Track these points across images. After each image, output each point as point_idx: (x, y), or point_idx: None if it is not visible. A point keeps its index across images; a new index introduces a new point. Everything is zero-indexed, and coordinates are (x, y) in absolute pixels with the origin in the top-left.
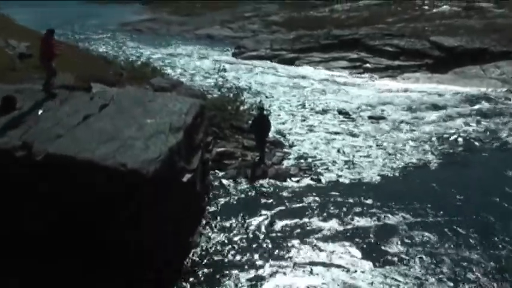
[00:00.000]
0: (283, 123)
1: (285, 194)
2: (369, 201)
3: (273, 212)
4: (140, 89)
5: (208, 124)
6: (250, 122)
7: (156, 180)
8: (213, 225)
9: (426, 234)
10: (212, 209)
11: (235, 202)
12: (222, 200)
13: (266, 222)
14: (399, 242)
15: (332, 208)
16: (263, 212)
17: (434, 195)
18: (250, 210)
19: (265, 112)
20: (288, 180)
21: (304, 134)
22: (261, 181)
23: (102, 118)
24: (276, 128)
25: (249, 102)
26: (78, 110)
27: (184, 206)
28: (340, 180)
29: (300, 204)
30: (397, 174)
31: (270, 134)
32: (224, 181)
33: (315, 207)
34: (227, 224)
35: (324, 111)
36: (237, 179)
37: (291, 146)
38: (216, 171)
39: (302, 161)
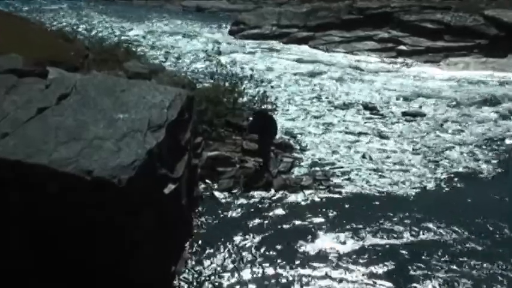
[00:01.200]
0: (293, 121)
1: (294, 211)
2: (402, 222)
3: (278, 234)
4: (110, 76)
5: (197, 121)
6: (250, 119)
7: (131, 192)
8: (202, 250)
9: (474, 269)
10: (201, 230)
11: (230, 221)
12: (213, 218)
13: (269, 248)
14: (441, 281)
15: (354, 229)
16: (265, 234)
17: (486, 216)
18: (248, 231)
19: (268, 112)
20: (299, 193)
21: (319, 135)
22: (264, 194)
23: (61, 112)
24: (284, 126)
25: (250, 93)
26: (29, 101)
27: (166, 226)
28: (365, 193)
29: (314, 225)
30: (438, 187)
31: (277, 135)
32: (217, 194)
33: (332, 228)
34: (219, 249)
35: (346, 106)
36: (234, 191)
37: (302, 150)
38: (207, 181)
39: (317, 168)
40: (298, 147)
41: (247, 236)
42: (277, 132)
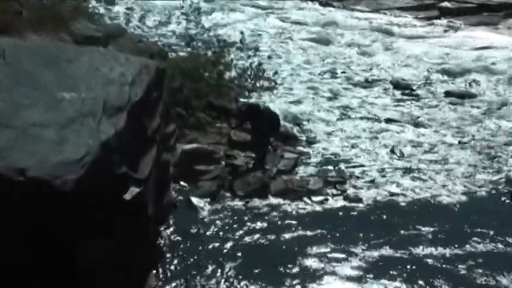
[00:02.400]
0: (298, 103)
1: (297, 226)
2: (445, 242)
3: (274, 262)
4: (52, 41)
5: (170, 102)
6: (242, 105)
7: (79, 197)
8: (172, 279)
9: None
10: (172, 252)
11: (211, 239)
12: (189, 235)
13: (260, 282)
14: None
15: (381, 257)
16: (257, 261)
17: None
18: (235, 256)
19: (264, 104)
20: (305, 199)
21: (333, 122)
22: (257, 201)
23: None
24: (286, 110)
25: (240, 65)
26: None
27: (126, 244)
28: (394, 202)
29: (324, 249)
30: (494, 194)
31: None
32: (195, 200)
33: (350, 253)
34: (195, 278)
35: (369, 83)
36: (217, 197)
37: (310, 143)
38: (183, 183)
39: (329, 167)
40: (304, 138)
41: (232, 263)
42: (279, 126)
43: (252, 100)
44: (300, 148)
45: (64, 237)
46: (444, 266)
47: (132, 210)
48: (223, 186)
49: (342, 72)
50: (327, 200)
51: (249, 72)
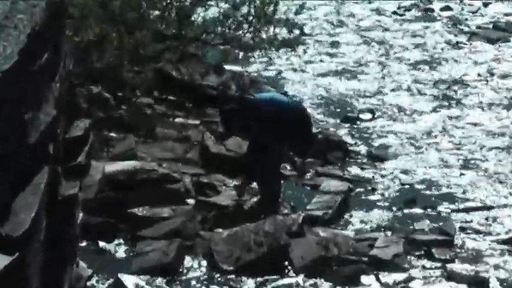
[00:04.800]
0: (350, 76)
1: None
2: None
3: None
4: None
5: (78, 74)
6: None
7: None
8: None
9: None
10: None
11: None
12: None
13: None
14: None
15: None
16: None
17: None
18: None
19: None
20: (364, 280)
21: (417, 119)
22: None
23: None
24: (327, 88)
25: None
26: None
27: None
28: None
29: None
30: None
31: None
32: (129, 283)
33: None
34: None
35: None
36: (177, 274)
37: (373, 157)
38: (103, 244)
39: (417, 211)
40: (363, 149)
41: None
42: (313, 141)
43: (251, 69)
44: (355, 170)
45: None
46: None
47: None
48: (192, 251)
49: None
50: (411, 280)
51: (247, 9)
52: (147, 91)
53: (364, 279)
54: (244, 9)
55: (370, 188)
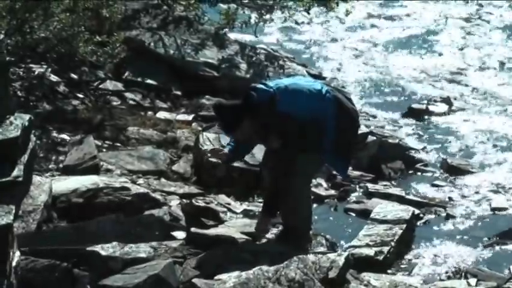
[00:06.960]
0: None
1: None
2: None
3: None
4: None
5: (13, 47)
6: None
7: None
8: None
9: None
10: None
11: None
12: None
13: None
14: None
15: None
16: None
17: None
18: None
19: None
20: None
21: None
22: None
23: None
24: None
25: None
26: None
27: None
28: None
29: None
30: None
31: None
32: None
33: None
34: None
35: None
36: None
37: (460, 172)
38: None
39: None
40: (432, 155)
41: None
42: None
43: (269, 40)
44: (423, 189)
45: None
46: None
47: None
48: None
49: None
50: None
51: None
52: (114, 72)
53: None
54: None
55: (445, 214)
